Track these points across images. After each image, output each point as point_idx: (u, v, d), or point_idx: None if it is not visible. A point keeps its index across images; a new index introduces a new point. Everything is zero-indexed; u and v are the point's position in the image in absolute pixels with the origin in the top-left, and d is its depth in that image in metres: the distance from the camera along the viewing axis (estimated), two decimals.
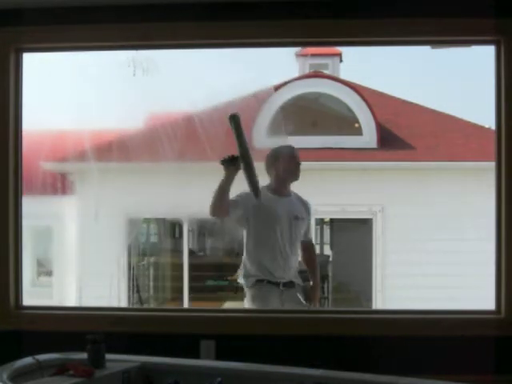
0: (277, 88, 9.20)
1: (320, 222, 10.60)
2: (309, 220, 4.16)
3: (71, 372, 2.41)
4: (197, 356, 3.15)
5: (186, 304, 8.99)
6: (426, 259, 8.11)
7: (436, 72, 10.96)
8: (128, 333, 3.20)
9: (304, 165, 4.05)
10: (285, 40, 3.39)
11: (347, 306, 9.43)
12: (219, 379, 2.45)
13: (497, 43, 3.20)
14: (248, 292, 3.95)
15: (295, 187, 4.11)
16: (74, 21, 3.27)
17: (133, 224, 8.97)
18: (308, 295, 4.05)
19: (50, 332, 3.21)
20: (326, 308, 8.44)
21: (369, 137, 9.28)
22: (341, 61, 10.91)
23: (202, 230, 10.51)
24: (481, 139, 8.57)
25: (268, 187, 4.02)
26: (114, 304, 8.55)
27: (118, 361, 2.62)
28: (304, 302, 4.02)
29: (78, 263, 8.62)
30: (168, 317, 3.44)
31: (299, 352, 3.14)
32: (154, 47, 3.62)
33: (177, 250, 9.91)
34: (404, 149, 9.17)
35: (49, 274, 9.39)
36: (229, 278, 9.92)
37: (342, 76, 10.45)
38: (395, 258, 8.48)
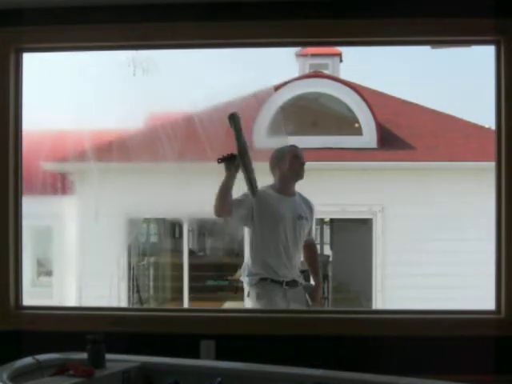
0: (277, 88, 9.20)
1: (320, 222, 10.60)
2: (312, 220, 4.18)
3: (71, 372, 2.41)
4: (197, 356, 3.15)
5: (186, 304, 8.99)
6: (426, 259, 8.11)
7: (436, 72, 10.97)
8: (128, 333, 3.20)
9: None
10: (285, 40, 3.39)
11: (347, 306, 9.43)
12: (219, 379, 2.46)
13: (497, 43, 3.20)
14: (252, 290, 3.96)
15: (296, 187, 4.12)
16: (74, 21, 3.27)
17: (133, 224, 8.97)
18: (310, 294, 4.06)
19: (50, 332, 3.21)
20: (326, 308, 8.44)
21: (369, 137, 9.28)
22: (341, 61, 10.91)
23: (202, 229, 10.52)
24: (481, 139, 8.57)
25: (272, 187, 4.04)
26: (114, 304, 8.55)
27: (118, 361, 2.63)
28: (308, 301, 4.05)
29: (77, 263, 8.61)
30: (168, 317, 3.44)
31: (299, 352, 3.14)
32: (153, 47, 3.62)
33: (177, 250, 9.91)
34: (404, 149, 9.17)
35: (49, 274, 9.39)
36: (229, 277, 9.94)
37: (342, 76, 10.45)
38: (395, 257, 8.48)
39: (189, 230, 9.69)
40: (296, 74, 10.30)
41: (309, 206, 4.12)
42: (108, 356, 2.57)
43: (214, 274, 10.06)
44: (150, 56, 7.90)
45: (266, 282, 3.91)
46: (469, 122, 9.56)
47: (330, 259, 10.15)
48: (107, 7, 3.23)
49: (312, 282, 4.23)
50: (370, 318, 3.41)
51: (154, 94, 7.97)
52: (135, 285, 9.25)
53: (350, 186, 8.52)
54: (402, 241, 8.51)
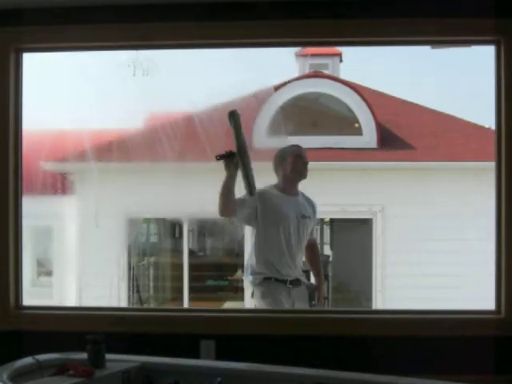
0: (277, 88, 9.20)
1: (320, 222, 10.60)
2: (315, 219, 4.20)
3: (71, 372, 2.41)
4: (197, 356, 3.15)
5: (186, 304, 8.99)
6: (426, 259, 8.11)
7: (436, 72, 10.96)
8: (128, 333, 3.20)
9: None
10: (285, 40, 3.39)
11: (347, 306, 9.43)
12: (219, 379, 2.46)
13: (497, 43, 3.21)
14: (256, 289, 3.97)
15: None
16: (74, 21, 3.27)
17: (133, 224, 8.97)
18: (312, 294, 4.08)
19: (50, 332, 3.21)
20: (326, 308, 8.45)
21: (369, 137, 9.28)
22: (341, 61, 10.91)
23: (202, 229, 10.51)
24: (481, 139, 8.57)
25: (276, 186, 4.06)
26: (114, 304, 8.55)
27: (118, 361, 2.63)
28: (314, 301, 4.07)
29: (77, 263, 8.61)
30: (168, 317, 3.44)
31: (299, 352, 3.14)
32: (153, 47, 3.62)
33: (177, 250, 9.91)
34: (404, 149, 9.17)
35: (49, 274, 9.39)
36: (229, 277, 9.94)
37: (342, 76, 10.45)
38: (395, 257, 8.47)
39: (189, 230, 9.69)
40: (296, 74, 10.30)
41: (312, 206, 4.14)
42: (108, 356, 2.57)
43: (214, 273, 10.06)
44: (150, 56, 7.92)
45: (270, 281, 3.92)
46: (469, 122, 9.56)
47: (330, 259, 10.15)
48: (107, 7, 3.23)
49: (312, 281, 4.24)
50: (370, 318, 3.41)
51: (153, 94, 7.98)
52: (135, 285, 9.25)
53: (350, 185, 8.52)
54: (402, 241, 8.51)
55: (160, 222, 10.42)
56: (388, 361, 3.09)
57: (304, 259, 4.18)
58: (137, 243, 9.58)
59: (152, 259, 10.21)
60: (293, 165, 4.01)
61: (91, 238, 8.26)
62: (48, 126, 7.59)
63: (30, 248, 8.33)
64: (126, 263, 8.99)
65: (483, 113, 9.40)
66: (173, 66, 7.60)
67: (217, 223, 8.94)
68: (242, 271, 9.07)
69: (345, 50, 10.06)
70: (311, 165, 4.06)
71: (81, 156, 8.35)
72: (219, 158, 3.81)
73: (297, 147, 4.12)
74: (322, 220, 10.51)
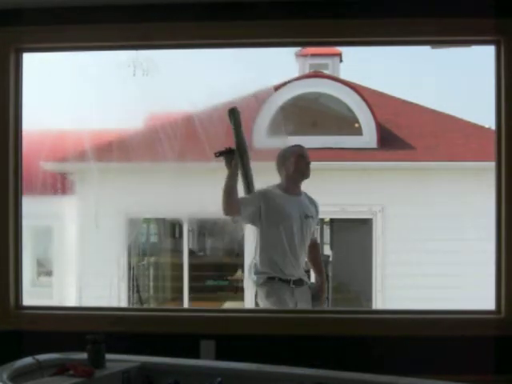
0: (277, 88, 9.20)
1: (320, 222, 10.60)
2: (317, 219, 4.21)
3: (71, 372, 2.41)
4: (197, 356, 3.15)
5: (186, 304, 8.99)
6: (426, 259, 8.11)
7: (436, 72, 10.95)
8: (128, 333, 3.20)
9: None
10: (285, 40, 3.39)
11: (347, 305, 9.43)
12: (219, 379, 2.46)
13: (497, 43, 3.21)
14: (260, 289, 3.98)
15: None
16: (74, 21, 3.27)
17: (133, 224, 8.96)
18: (315, 294, 4.08)
19: (50, 332, 3.21)
20: (326, 308, 8.45)
21: (369, 137, 9.27)
22: (341, 61, 10.90)
23: (202, 229, 10.51)
24: (481, 139, 8.57)
25: (279, 186, 4.07)
26: (114, 304, 8.55)
27: (118, 361, 2.63)
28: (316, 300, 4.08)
29: (77, 263, 8.61)
30: (168, 317, 3.44)
31: (299, 352, 3.14)
32: (153, 47, 3.62)
33: (177, 250, 9.91)
34: (404, 149, 9.17)
35: (49, 274, 9.39)
36: (229, 277, 9.94)
37: (342, 76, 10.44)
38: (395, 257, 8.47)
39: (189, 230, 9.68)
40: (296, 74, 10.30)
41: (314, 206, 4.15)
42: (108, 356, 2.57)
43: (214, 273, 10.05)
44: (150, 56, 7.91)
45: (273, 281, 3.93)
46: (469, 122, 9.56)
47: (330, 259, 10.14)
48: (107, 7, 3.23)
49: (312, 281, 4.24)
50: (369, 318, 3.41)
51: (153, 94, 7.98)
52: (135, 285, 9.24)
53: (350, 185, 8.51)
54: (402, 241, 8.51)
55: (160, 221, 10.42)
56: (388, 361, 3.09)
57: (306, 259, 4.18)
58: (137, 243, 9.57)
59: (152, 259, 10.20)
60: (295, 165, 4.02)
61: (91, 238, 8.26)
62: (48, 126, 7.59)
63: (30, 248, 8.32)
64: (126, 263, 8.99)
65: (483, 113, 9.39)
66: (173, 66, 7.60)
67: (217, 223, 8.94)
68: (242, 271, 9.13)
69: (345, 50, 10.05)
70: (311, 165, 4.06)
71: (81, 156, 8.35)
72: (218, 154, 3.81)
73: (299, 147, 4.13)
74: (322, 220, 10.50)
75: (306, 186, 4.15)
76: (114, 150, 8.25)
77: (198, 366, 2.69)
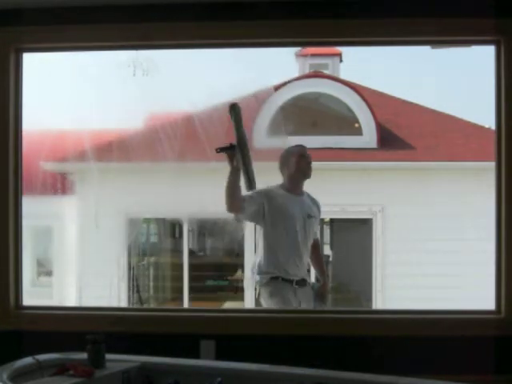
0: (277, 88, 9.20)
1: (320, 222, 10.59)
2: (319, 219, 4.22)
3: (71, 372, 2.41)
4: (197, 356, 3.15)
5: (186, 304, 8.99)
6: (426, 259, 8.11)
7: (436, 72, 10.95)
8: (128, 333, 3.20)
9: None
10: (285, 40, 3.39)
11: (347, 305, 9.43)
12: (219, 379, 2.46)
13: (497, 43, 3.21)
14: (264, 289, 3.98)
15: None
16: (74, 21, 3.27)
17: (133, 224, 8.96)
18: (318, 293, 4.09)
19: (50, 332, 3.21)
20: (326, 308, 8.44)
21: (369, 137, 9.27)
22: (341, 61, 10.90)
23: (202, 229, 10.51)
24: (481, 139, 8.57)
25: (282, 186, 4.09)
26: (114, 304, 8.55)
27: (118, 361, 2.63)
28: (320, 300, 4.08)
29: (77, 263, 8.61)
30: (168, 317, 3.44)
31: (299, 352, 3.14)
32: (154, 47, 3.62)
33: (177, 250, 9.91)
34: (404, 149, 9.17)
35: (49, 274, 9.39)
36: (229, 277, 9.94)
37: (342, 76, 10.44)
38: (395, 257, 8.47)
39: (189, 230, 9.68)
40: (296, 74, 10.30)
41: (316, 206, 4.18)
42: (108, 356, 2.57)
43: (214, 273, 10.05)
44: (150, 56, 7.91)
45: (277, 281, 3.94)
46: (469, 122, 9.55)
47: (330, 259, 10.14)
48: (107, 7, 3.23)
49: (313, 280, 4.26)
50: (369, 318, 3.41)
51: (153, 94, 7.98)
52: (135, 285, 9.24)
53: (350, 185, 8.51)
54: (402, 241, 8.51)
55: (160, 221, 10.42)
56: (388, 361, 3.09)
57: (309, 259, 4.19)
58: (137, 243, 9.57)
59: (152, 259, 10.20)
60: (297, 165, 4.04)
61: (91, 238, 8.26)
62: (48, 126, 7.59)
63: (30, 248, 8.32)
64: (126, 263, 8.99)
65: (483, 113, 9.39)
66: (173, 66, 7.60)
67: (217, 223, 8.95)
68: (242, 271, 9.13)
69: (345, 50, 10.05)
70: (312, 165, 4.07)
71: (81, 156, 8.35)
72: (219, 150, 3.80)
73: (301, 147, 4.15)
74: (322, 220, 10.50)
75: (306, 186, 4.16)
76: (114, 150, 8.25)
77: (198, 366, 2.70)
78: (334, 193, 8.14)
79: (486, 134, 8.13)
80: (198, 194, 7.13)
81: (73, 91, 7.95)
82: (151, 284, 10.29)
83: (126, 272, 8.93)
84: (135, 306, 8.79)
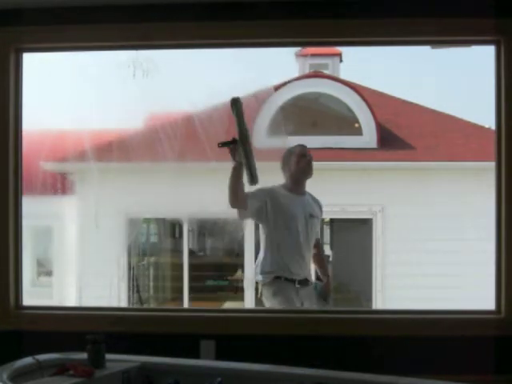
0: (277, 88, 9.20)
1: (320, 222, 10.58)
2: (321, 218, 4.22)
3: (71, 372, 2.41)
4: (197, 356, 3.15)
5: (186, 304, 8.99)
6: (426, 259, 8.11)
7: (436, 72, 10.95)
8: (128, 333, 3.21)
9: None
10: (285, 40, 3.39)
11: (347, 305, 9.42)
12: (219, 379, 2.46)
13: (497, 43, 3.21)
14: (266, 289, 3.98)
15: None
16: (74, 21, 3.27)
17: (133, 224, 8.96)
18: (321, 293, 4.09)
19: (50, 332, 3.21)
20: (326, 308, 8.44)
21: (369, 137, 9.27)
22: (341, 61, 10.90)
23: (202, 229, 10.50)
24: (481, 139, 8.56)
25: (284, 186, 4.10)
26: (114, 304, 8.55)
27: (118, 361, 2.63)
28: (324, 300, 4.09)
29: (77, 263, 8.61)
30: (168, 317, 3.44)
31: (299, 352, 3.14)
32: (154, 47, 3.62)
33: (177, 250, 9.91)
34: (404, 149, 9.16)
35: (49, 274, 9.39)
36: (229, 277, 9.94)
37: (342, 76, 10.44)
38: (395, 257, 8.47)
39: (189, 230, 9.68)
40: (296, 74, 10.29)
41: (318, 205, 4.19)
42: (108, 356, 2.57)
43: (214, 273, 10.05)
44: (150, 56, 7.91)
45: (280, 281, 3.94)
46: (469, 122, 9.55)
47: (330, 259, 10.14)
48: (107, 7, 3.23)
49: (313, 279, 4.26)
50: (369, 318, 3.41)
51: (153, 94, 7.98)
52: (135, 285, 9.24)
53: (350, 185, 8.51)
54: (402, 241, 8.51)
55: (160, 221, 10.42)
56: (388, 361, 3.09)
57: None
58: (137, 243, 9.57)
59: (152, 259, 10.20)
60: (297, 164, 4.05)
61: (91, 238, 8.25)
62: (48, 126, 7.59)
63: (30, 248, 8.32)
64: (126, 263, 8.99)
65: (483, 113, 9.38)
66: (173, 66, 7.61)
67: (217, 223, 8.94)
68: (242, 271, 9.12)
69: (345, 50, 10.05)
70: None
71: (81, 156, 8.35)
72: (221, 145, 3.80)
73: (302, 147, 4.15)
74: (322, 220, 10.50)
75: (306, 186, 4.15)
76: (114, 150, 8.25)
77: (198, 366, 2.70)
78: (334, 193, 8.12)
79: (486, 134, 8.12)
80: (198, 193, 7.13)
81: (73, 91, 7.95)
82: (151, 284, 10.29)
83: (126, 272, 8.93)
84: (135, 306, 8.79)
